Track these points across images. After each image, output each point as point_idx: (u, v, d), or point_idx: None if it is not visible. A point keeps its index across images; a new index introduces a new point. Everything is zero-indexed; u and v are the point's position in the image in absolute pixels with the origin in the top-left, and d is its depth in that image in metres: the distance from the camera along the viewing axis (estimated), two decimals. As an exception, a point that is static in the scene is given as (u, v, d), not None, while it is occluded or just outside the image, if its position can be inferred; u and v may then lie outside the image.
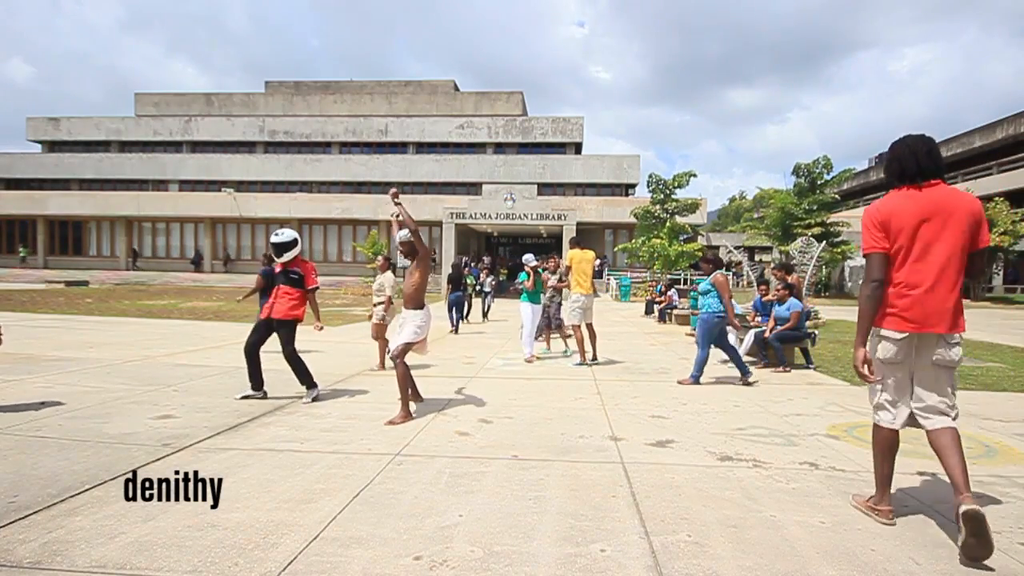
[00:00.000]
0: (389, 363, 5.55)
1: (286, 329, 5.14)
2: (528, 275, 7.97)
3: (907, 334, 2.58)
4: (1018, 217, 23.56)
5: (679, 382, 6.30)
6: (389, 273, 7.11)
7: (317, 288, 5.37)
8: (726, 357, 7.64)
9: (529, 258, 8.14)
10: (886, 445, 2.78)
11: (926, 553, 2.45)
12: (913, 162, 2.60)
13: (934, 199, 2.55)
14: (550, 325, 8.54)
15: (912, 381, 2.68)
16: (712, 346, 6.45)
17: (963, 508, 2.32)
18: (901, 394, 2.70)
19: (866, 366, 2.65)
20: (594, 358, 7.64)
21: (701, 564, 2.32)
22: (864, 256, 2.69)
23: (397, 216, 4.86)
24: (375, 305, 7.14)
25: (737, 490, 3.14)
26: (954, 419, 2.63)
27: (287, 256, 5.18)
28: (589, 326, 7.58)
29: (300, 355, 5.21)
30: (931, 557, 2.41)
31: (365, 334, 10.06)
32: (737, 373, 6.43)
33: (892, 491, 3.00)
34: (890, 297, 2.61)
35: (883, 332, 2.65)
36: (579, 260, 7.72)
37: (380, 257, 7.44)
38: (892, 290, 2.60)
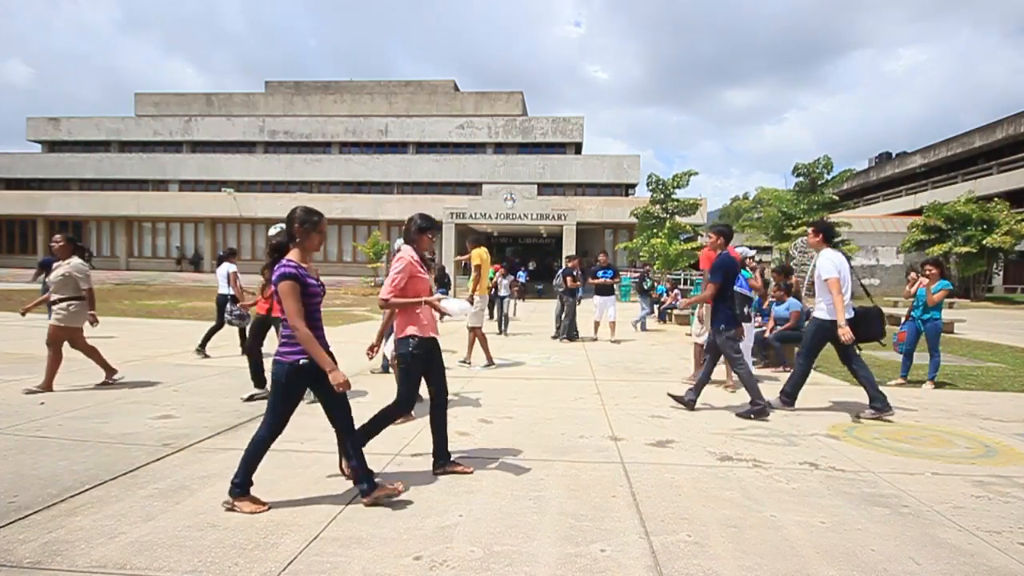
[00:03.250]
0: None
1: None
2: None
3: None
4: (1019, 218, 23.55)
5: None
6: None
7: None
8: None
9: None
10: None
11: (926, 553, 2.45)
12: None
13: None
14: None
15: None
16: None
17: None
18: None
19: None
20: (489, 362, 7.28)
21: (701, 564, 2.32)
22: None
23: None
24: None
25: (737, 490, 3.14)
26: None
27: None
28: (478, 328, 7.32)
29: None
30: (931, 557, 2.41)
31: (365, 334, 10.05)
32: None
33: (892, 491, 3.00)
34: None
35: None
36: (486, 259, 7.42)
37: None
38: None
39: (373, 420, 3.33)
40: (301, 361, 2.74)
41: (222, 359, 7.28)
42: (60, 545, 2.38)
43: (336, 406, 2.90)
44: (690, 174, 24.71)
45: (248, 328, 5.25)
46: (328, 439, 3.96)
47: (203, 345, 7.41)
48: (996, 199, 25.18)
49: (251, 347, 5.26)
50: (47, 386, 5.19)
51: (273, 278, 2.71)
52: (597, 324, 10.12)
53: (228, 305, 6.77)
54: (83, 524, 2.57)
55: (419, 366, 3.29)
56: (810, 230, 5.20)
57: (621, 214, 29.13)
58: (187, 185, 36.74)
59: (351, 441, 2.94)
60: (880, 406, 4.79)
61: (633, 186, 34.90)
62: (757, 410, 4.74)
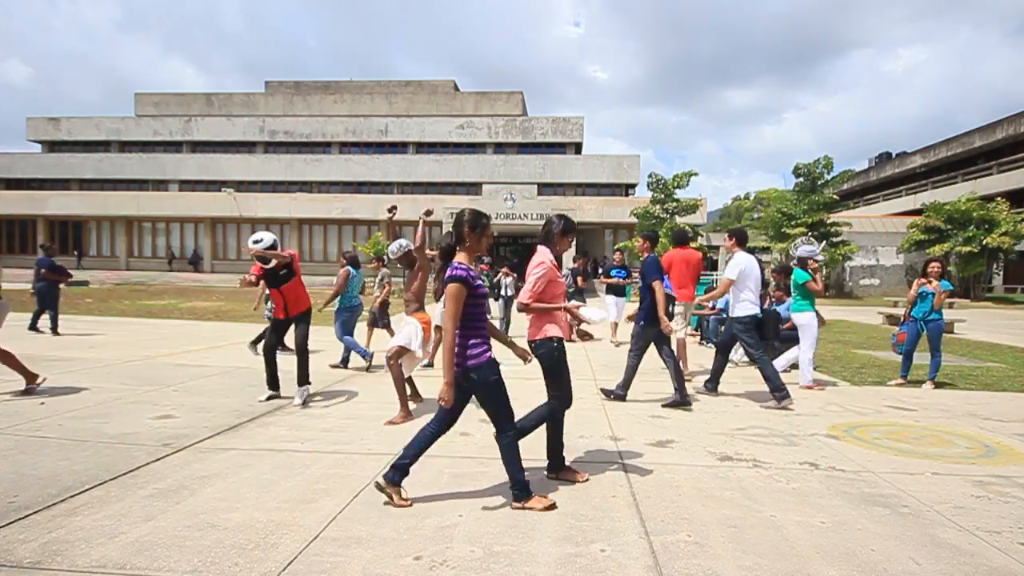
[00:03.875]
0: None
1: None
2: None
3: None
4: (1020, 218, 23.55)
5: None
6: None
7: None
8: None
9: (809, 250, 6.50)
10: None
11: (926, 553, 2.45)
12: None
13: None
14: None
15: None
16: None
17: None
18: None
19: None
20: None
21: (701, 564, 2.32)
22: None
23: (418, 223, 5.17)
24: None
25: (737, 490, 3.14)
26: None
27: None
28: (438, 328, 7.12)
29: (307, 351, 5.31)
30: (931, 557, 2.41)
31: (365, 334, 10.04)
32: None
33: (892, 491, 3.00)
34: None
35: None
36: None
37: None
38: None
39: (529, 419, 3.27)
40: (491, 354, 2.87)
41: (222, 359, 7.28)
42: (60, 545, 2.38)
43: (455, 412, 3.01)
44: (690, 175, 24.72)
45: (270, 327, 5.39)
46: (328, 439, 3.97)
47: (256, 343, 7.50)
48: (996, 199, 25.19)
49: (269, 345, 5.26)
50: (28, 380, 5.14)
51: (444, 279, 2.79)
52: (615, 325, 9.75)
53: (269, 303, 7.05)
54: (83, 524, 2.57)
55: (565, 363, 3.27)
56: (727, 235, 5.63)
57: (621, 214, 29.14)
58: (187, 185, 36.74)
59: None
60: (680, 399, 5.09)
61: (633, 186, 34.91)
62: (675, 401, 5.08)
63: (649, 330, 5.17)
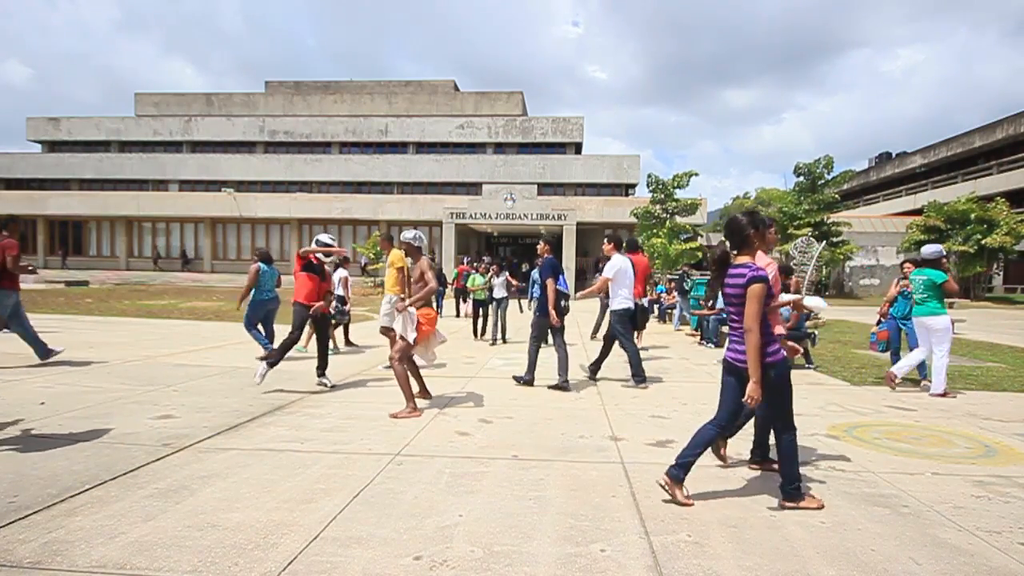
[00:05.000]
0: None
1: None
2: None
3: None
4: (1020, 218, 23.55)
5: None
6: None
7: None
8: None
9: None
10: None
11: (926, 553, 2.45)
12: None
13: None
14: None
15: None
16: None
17: None
18: None
19: None
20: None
21: (701, 564, 2.32)
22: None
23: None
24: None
25: (737, 490, 3.14)
26: None
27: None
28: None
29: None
30: (931, 557, 2.41)
31: (365, 334, 10.06)
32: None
33: (892, 491, 3.00)
34: None
35: None
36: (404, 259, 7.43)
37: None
38: None
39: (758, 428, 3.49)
40: (784, 353, 2.99)
41: (222, 359, 7.28)
42: (60, 545, 2.38)
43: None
44: (690, 175, 24.71)
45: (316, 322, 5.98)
46: (329, 439, 3.97)
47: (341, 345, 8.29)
48: (996, 199, 25.19)
49: (322, 340, 5.87)
50: None
51: (743, 281, 2.85)
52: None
53: (336, 304, 7.70)
54: (83, 524, 2.57)
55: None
56: (605, 240, 6.30)
57: (621, 214, 29.13)
58: (187, 185, 36.74)
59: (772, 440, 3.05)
60: (561, 382, 5.80)
61: (633, 186, 34.90)
62: (559, 384, 5.82)
63: (543, 320, 5.95)
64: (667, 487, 2.92)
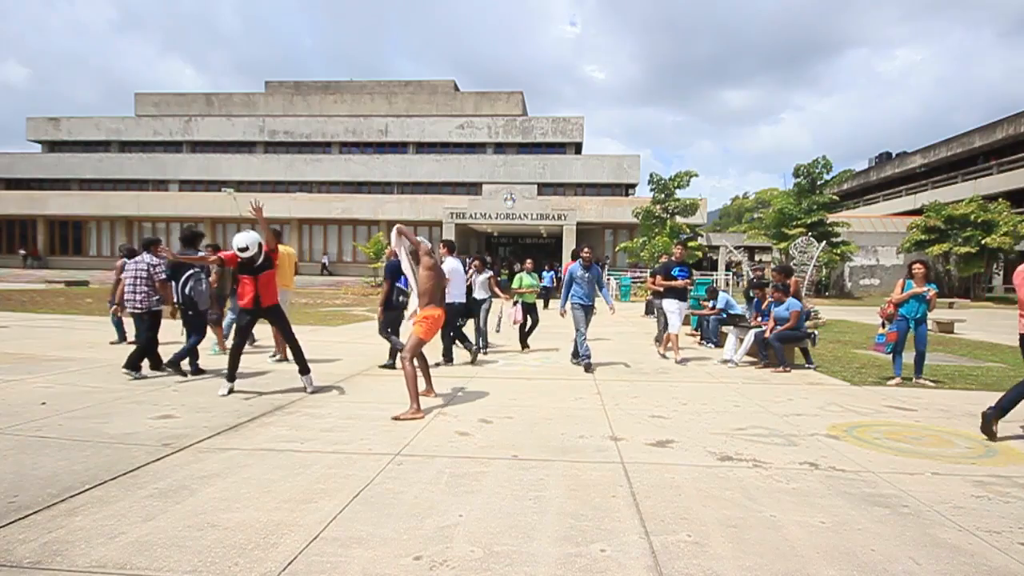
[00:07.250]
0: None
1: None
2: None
3: None
4: (1020, 218, 23.55)
5: None
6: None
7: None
8: (727, 357, 7.66)
9: None
10: None
11: (926, 553, 2.45)
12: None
13: None
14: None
15: None
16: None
17: None
18: None
19: None
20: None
21: (701, 564, 2.32)
22: None
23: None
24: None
25: (737, 490, 3.14)
26: None
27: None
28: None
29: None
30: (931, 557, 2.41)
31: (365, 334, 10.06)
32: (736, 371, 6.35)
33: (892, 491, 3.00)
34: None
35: None
36: (291, 255, 7.57)
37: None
38: None
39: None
40: None
41: (222, 359, 7.26)
42: (60, 545, 2.38)
43: None
44: (690, 175, 24.71)
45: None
46: (329, 439, 3.97)
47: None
48: (999, 199, 25.20)
49: (236, 347, 5.54)
50: None
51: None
52: (675, 338, 7.85)
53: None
54: (83, 524, 2.57)
55: None
56: (440, 243, 7.14)
57: (621, 214, 29.14)
58: (187, 185, 36.76)
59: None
60: (390, 361, 6.81)
61: (633, 186, 34.91)
62: (388, 364, 6.75)
63: (389, 313, 6.82)
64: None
